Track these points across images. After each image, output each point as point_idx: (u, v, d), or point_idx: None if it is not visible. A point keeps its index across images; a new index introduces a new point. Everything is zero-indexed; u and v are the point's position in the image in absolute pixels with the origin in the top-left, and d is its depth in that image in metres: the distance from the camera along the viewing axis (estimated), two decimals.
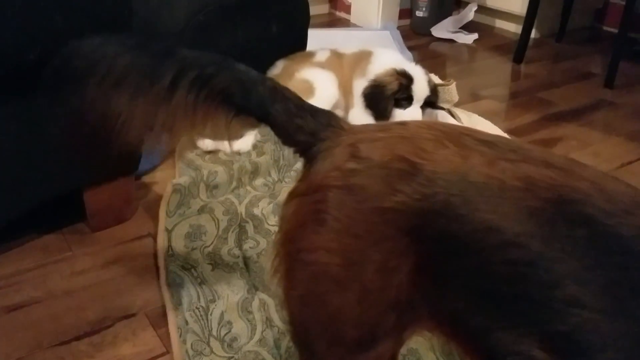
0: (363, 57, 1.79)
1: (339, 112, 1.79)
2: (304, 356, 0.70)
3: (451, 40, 2.73)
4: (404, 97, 1.70)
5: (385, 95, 1.68)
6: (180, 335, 1.01)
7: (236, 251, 1.23)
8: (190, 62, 0.67)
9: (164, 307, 1.09)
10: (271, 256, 0.67)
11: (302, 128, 0.65)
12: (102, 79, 0.67)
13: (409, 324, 0.60)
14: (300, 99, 0.69)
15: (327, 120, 0.66)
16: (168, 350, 1.00)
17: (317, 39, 2.14)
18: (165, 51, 0.69)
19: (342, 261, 0.57)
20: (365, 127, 0.64)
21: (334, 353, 0.63)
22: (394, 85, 1.68)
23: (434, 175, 0.54)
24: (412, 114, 1.71)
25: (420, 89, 1.71)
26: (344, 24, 3.01)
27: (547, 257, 0.49)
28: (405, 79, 1.69)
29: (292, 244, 0.62)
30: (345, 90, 1.78)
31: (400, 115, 1.71)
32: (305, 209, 0.60)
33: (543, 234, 0.49)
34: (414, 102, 1.72)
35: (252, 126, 0.71)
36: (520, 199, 0.51)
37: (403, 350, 0.98)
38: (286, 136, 0.67)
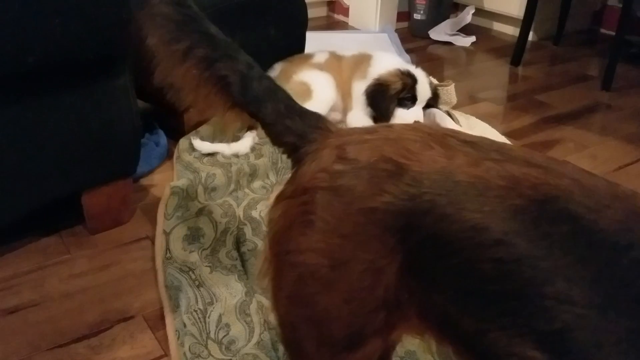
0: (363, 60, 1.80)
1: (337, 115, 1.80)
2: (293, 357, 0.70)
3: (449, 43, 2.74)
4: (408, 97, 1.71)
5: (389, 95, 1.69)
6: (178, 338, 1.01)
7: (234, 254, 1.23)
8: (205, 38, 0.70)
9: (162, 309, 1.09)
10: (260, 259, 0.67)
11: (290, 129, 0.66)
12: (146, 16, 0.72)
13: (397, 325, 0.61)
14: (291, 100, 0.70)
15: (316, 123, 0.67)
16: (166, 353, 1.00)
17: (316, 41, 2.15)
18: (193, 17, 0.71)
19: (330, 262, 0.58)
20: (352, 130, 0.65)
21: (322, 353, 0.64)
22: (397, 85, 1.68)
23: (421, 176, 0.55)
24: (414, 114, 1.71)
25: (424, 90, 1.72)
26: (342, 26, 3.02)
27: (534, 254, 0.49)
28: (409, 79, 1.69)
29: (280, 246, 0.62)
30: (344, 92, 1.78)
31: (402, 115, 1.71)
32: (292, 211, 0.61)
33: (529, 232, 0.50)
34: (417, 102, 1.72)
35: (247, 121, 0.72)
36: (505, 197, 0.51)
37: (400, 352, 0.99)
38: (275, 136, 0.68)
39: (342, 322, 0.60)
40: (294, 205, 0.61)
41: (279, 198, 0.64)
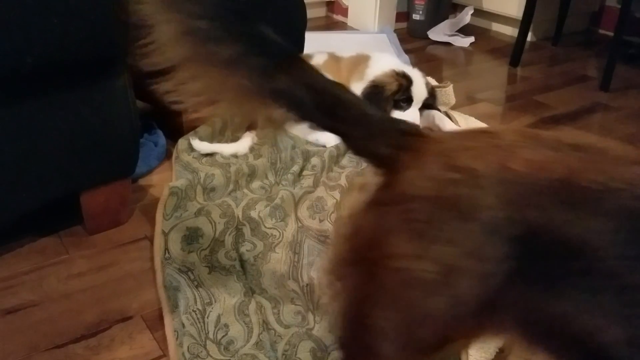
0: (361, 61, 1.80)
1: None
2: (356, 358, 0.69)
3: (448, 44, 2.74)
4: (404, 99, 1.71)
5: (385, 96, 1.69)
6: (176, 338, 1.01)
7: (233, 254, 1.23)
8: (264, 44, 0.62)
9: (160, 310, 1.09)
10: (332, 264, 0.65)
11: (379, 138, 0.63)
12: None
13: (486, 329, 0.61)
14: (370, 106, 0.66)
15: (404, 128, 0.64)
16: (165, 354, 1.00)
17: (315, 42, 2.15)
18: (245, 15, 0.62)
19: (439, 269, 0.58)
20: (447, 136, 0.63)
21: (401, 356, 0.63)
22: (393, 86, 1.68)
23: (539, 182, 0.55)
24: (411, 116, 1.71)
25: (419, 91, 1.72)
26: (341, 27, 3.02)
27: None
28: (404, 80, 1.69)
29: (376, 251, 0.61)
30: None
31: (399, 117, 1.71)
32: (394, 218, 0.60)
33: None
34: (413, 104, 1.72)
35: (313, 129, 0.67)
36: (623, 198, 0.53)
37: None
38: (360, 148, 0.65)
39: (436, 327, 0.60)
40: (396, 212, 0.60)
41: (372, 204, 0.63)
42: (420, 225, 0.58)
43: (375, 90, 1.69)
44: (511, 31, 2.88)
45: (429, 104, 1.78)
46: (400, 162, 0.61)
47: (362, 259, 0.63)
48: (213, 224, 1.31)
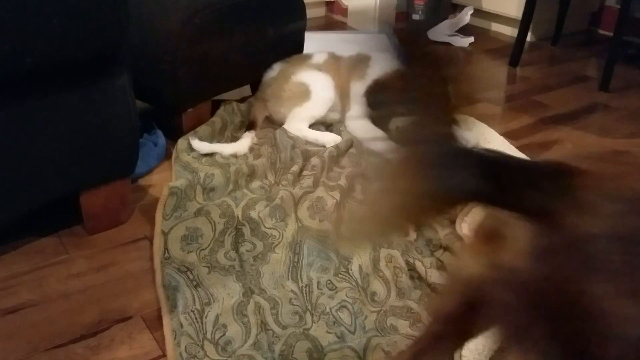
0: (361, 61, 1.80)
1: (336, 115, 1.80)
2: None
3: (447, 44, 2.74)
4: None
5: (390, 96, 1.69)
6: (175, 338, 1.01)
7: (232, 254, 1.23)
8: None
9: (160, 309, 1.09)
10: (518, 332, 0.64)
11: (529, 190, 0.60)
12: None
13: None
14: (513, 157, 0.62)
15: (549, 169, 0.62)
16: (164, 353, 1.01)
17: (315, 42, 2.15)
18: None
19: (627, 303, 0.59)
20: (588, 164, 0.63)
21: None
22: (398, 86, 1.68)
23: None
24: None
25: None
26: (341, 27, 3.02)
27: None
28: None
29: (563, 297, 0.61)
30: (342, 93, 1.78)
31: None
32: (570, 264, 0.60)
33: None
34: None
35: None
36: None
37: (395, 353, 0.99)
38: (511, 205, 0.61)
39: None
40: (570, 257, 0.60)
41: (544, 251, 0.62)
42: (606, 264, 0.58)
43: (380, 90, 1.69)
44: (511, 31, 2.89)
45: None
46: (557, 205, 0.60)
47: (561, 313, 0.61)
48: (213, 224, 1.31)
